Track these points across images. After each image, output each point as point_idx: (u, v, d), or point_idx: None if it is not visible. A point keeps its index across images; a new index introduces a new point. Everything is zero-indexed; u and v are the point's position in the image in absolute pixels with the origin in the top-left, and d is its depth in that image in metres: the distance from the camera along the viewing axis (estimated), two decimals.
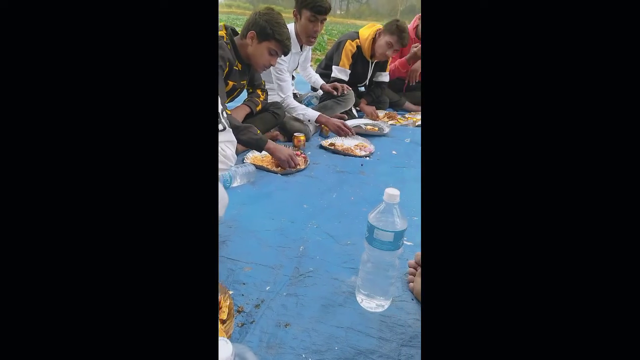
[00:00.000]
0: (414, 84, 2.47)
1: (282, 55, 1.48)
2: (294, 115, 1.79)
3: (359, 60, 2.17)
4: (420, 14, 2.40)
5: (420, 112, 2.38)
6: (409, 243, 0.94)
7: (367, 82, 2.30)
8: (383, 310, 0.74)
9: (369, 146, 1.76)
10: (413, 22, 2.46)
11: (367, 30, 2.15)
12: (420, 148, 1.83)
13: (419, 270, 0.81)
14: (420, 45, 2.30)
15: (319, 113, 1.78)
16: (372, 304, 0.75)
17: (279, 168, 1.42)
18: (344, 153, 1.66)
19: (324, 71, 2.24)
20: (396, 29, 1.99)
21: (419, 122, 2.19)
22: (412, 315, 0.74)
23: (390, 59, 2.32)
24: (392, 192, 0.67)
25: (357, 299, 0.77)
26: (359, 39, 2.14)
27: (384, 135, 1.94)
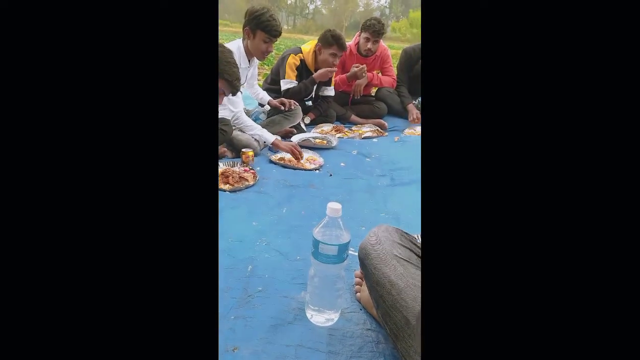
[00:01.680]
0: (358, 97, 2.56)
1: (230, 95, 1.44)
2: (249, 134, 1.77)
3: (303, 74, 2.21)
4: (360, 31, 2.50)
5: (365, 125, 2.47)
6: (354, 253, 0.96)
7: (312, 95, 2.35)
8: (332, 324, 0.75)
9: (318, 159, 1.79)
10: (354, 39, 2.57)
11: (309, 45, 2.22)
12: (366, 159, 1.91)
13: None
14: (360, 65, 2.40)
15: (275, 137, 1.79)
16: (321, 319, 0.75)
17: (227, 185, 1.40)
18: (294, 167, 1.67)
19: (270, 86, 2.26)
20: (332, 38, 2.09)
21: (365, 134, 2.27)
22: (360, 325, 0.75)
23: (335, 72, 2.39)
24: (334, 206, 0.69)
25: (307, 314, 0.77)
26: (301, 53, 2.19)
27: (332, 148, 1.98)
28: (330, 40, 2.09)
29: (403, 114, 2.62)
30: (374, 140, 2.21)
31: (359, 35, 2.52)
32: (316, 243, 0.70)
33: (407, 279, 0.63)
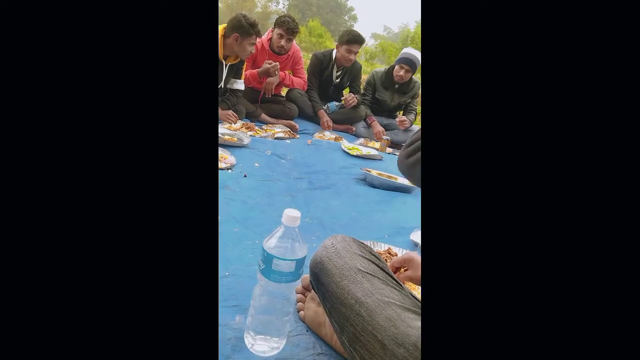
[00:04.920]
0: (269, 96, 2.45)
1: None
2: None
3: None
4: (274, 27, 2.40)
5: (276, 125, 2.37)
6: None
7: (221, 86, 2.13)
8: (278, 352, 0.63)
9: (229, 158, 1.61)
10: (267, 34, 2.45)
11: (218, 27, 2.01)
12: (282, 161, 1.81)
13: (309, 294, 0.74)
14: (273, 63, 2.28)
15: None
16: (264, 347, 0.63)
17: None
18: None
19: None
20: (237, 21, 1.92)
21: (277, 134, 2.17)
22: (310, 350, 0.66)
23: (245, 65, 2.23)
24: (292, 214, 0.58)
25: (246, 342, 0.63)
26: None
27: (244, 146, 1.82)
28: (236, 22, 1.92)
29: (313, 118, 2.61)
30: (287, 141, 2.13)
31: (272, 31, 2.41)
32: (268, 258, 0.57)
33: (375, 296, 0.56)
